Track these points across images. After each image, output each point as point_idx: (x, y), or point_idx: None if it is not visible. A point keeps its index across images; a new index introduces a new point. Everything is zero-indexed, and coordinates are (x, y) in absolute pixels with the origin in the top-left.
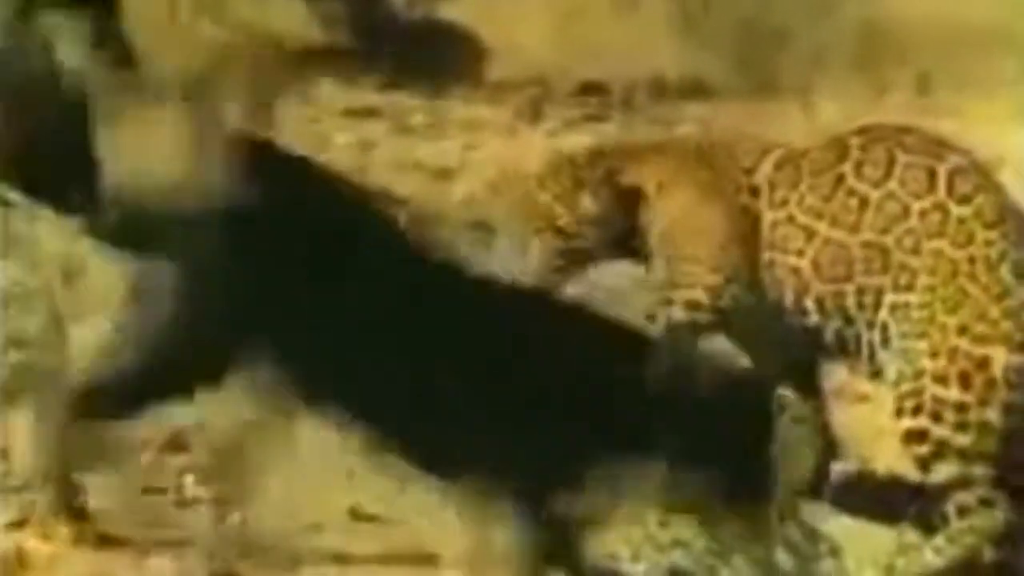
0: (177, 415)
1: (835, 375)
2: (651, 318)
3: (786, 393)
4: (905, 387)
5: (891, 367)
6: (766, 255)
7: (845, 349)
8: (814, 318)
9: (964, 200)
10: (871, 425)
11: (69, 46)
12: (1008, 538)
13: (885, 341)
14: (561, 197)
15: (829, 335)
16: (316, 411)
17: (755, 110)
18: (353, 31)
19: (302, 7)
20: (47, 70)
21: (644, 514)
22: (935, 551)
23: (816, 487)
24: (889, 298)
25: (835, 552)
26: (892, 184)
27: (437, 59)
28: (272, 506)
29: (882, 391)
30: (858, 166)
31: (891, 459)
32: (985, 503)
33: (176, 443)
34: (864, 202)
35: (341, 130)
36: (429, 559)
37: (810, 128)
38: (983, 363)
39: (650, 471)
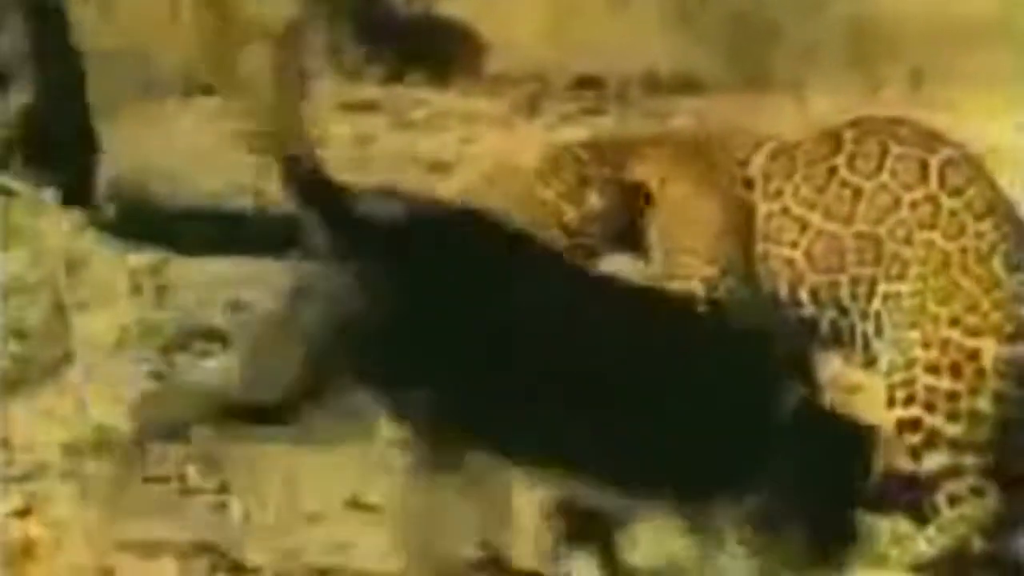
0: None
1: (829, 366)
2: None
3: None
4: (897, 377)
5: (884, 357)
6: (760, 247)
7: (840, 339)
8: (809, 309)
9: (956, 192)
10: (865, 415)
11: None
12: (999, 527)
13: (879, 331)
14: (566, 195)
15: (824, 326)
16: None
17: (748, 104)
18: (353, 26)
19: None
20: None
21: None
22: (927, 541)
23: None
24: (882, 288)
25: None
26: (884, 176)
27: (436, 54)
28: (273, 496)
29: (875, 381)
30: (851, 158)
31: (884, 449)
32: (976, 492)
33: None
34: (857, 193)
35: (339, 124)
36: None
37: (803, 122)
38: (974, 354)
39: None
